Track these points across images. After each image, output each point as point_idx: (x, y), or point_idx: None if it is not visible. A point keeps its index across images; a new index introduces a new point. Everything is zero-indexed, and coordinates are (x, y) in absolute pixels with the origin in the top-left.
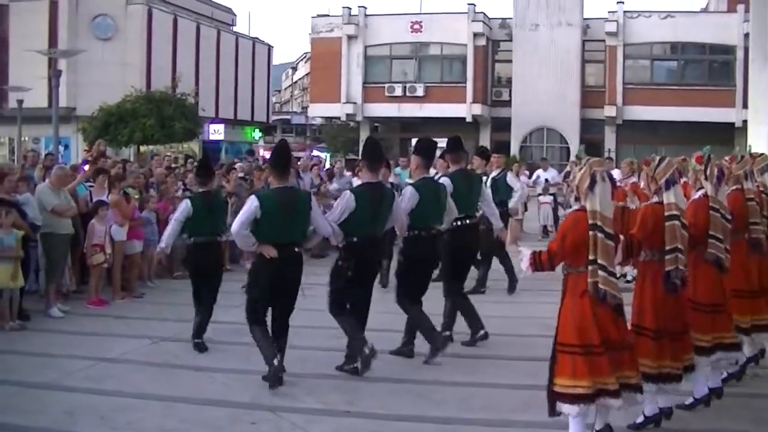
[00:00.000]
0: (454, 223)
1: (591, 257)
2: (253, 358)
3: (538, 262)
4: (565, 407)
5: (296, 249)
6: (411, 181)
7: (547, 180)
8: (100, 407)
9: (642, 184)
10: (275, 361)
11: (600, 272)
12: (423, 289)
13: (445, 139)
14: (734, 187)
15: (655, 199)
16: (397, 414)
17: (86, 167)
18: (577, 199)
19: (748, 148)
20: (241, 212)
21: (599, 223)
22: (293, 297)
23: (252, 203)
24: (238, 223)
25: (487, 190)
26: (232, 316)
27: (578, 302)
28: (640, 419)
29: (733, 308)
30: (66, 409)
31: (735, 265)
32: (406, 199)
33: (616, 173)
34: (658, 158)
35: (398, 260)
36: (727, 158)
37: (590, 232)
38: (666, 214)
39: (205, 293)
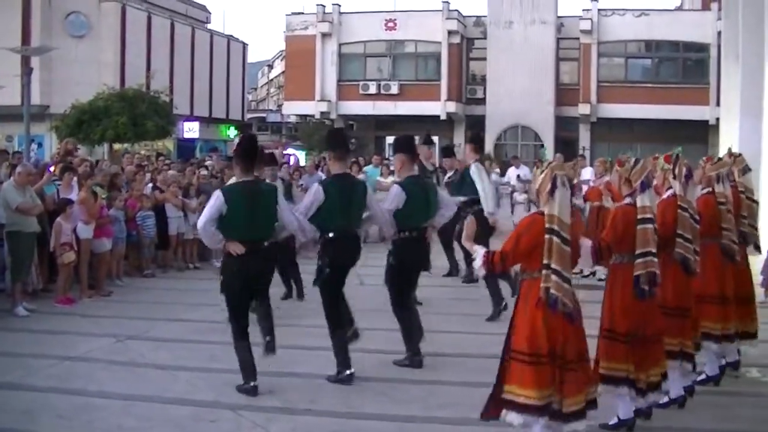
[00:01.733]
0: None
1: (545, 261)
2: (216, 356)
3: (491, 263)
4: (510, 416)
5: (265, 244)
6: (398, 180)
7: (519, 176)
8: (60, 406)
9: (615, 183)
10: (252, 383)
11: (553, 277)
12: (412, 291)
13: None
14: (705, 190)
15: (628, 200)
16: (358, 412)
17: (52, 168)
18: (534, 201)
19: (728, 148)
20: (206, 208)
21: (557, 227)
22: (267, 288)
23: (217, 198)
24: (203, 220)
25: (443, 193)
26: (200, 314)
27: (531, 309)
28: (613, 421)
29: (705, 314)
30: (25, 408)
31: (708, 270)
32: (392, 198)
33: (590, 172)
34: (633, 159)
35: (389, 264)
36: (703, 159)
37: (546, 236)
38: (639, 217)
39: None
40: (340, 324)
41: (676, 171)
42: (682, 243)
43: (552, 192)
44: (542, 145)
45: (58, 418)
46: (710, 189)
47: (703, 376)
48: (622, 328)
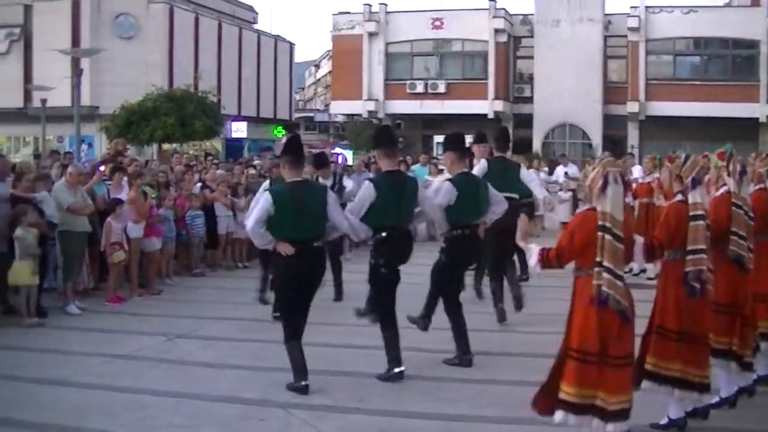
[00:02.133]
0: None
1: (597, 259)
2: (264, 354)
3: (546, 260)
4: (558, 414)
5: (315, 245)
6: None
7: (566, 173)
8: (110, 404)
9: (665, 180)
10: (303, 383)
11: (605, 275)
12: (461, 289)
13: (470, 137)
14: (758, 187)
15: (679, 197)
16: (406, 411)
17: (102, 167)
18: (586, 198)
19: None
20: (255, 209)
21: (609, 224)
22: (314, 292)
23: (265, 200)
24: (252, 221)
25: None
26: (244, 312)
27: (585, 306)
28: (664, 420)
29: (759, 313)
30: (76, 406)
31: (762, 269)
32: (443, 193)
33: (638, 170)
34: (683, 156)
35: (439, 261)
36: (752, 155)
37: (598, 233)
38: (691, 213)
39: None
40: (392, 323)
41: (730, 168)
42: (736, 240)
43: (604, 188)
44: (590, 145)
45: (108, 416)
46: (763, 185)
47: (754, 376)
48: (674, 325)
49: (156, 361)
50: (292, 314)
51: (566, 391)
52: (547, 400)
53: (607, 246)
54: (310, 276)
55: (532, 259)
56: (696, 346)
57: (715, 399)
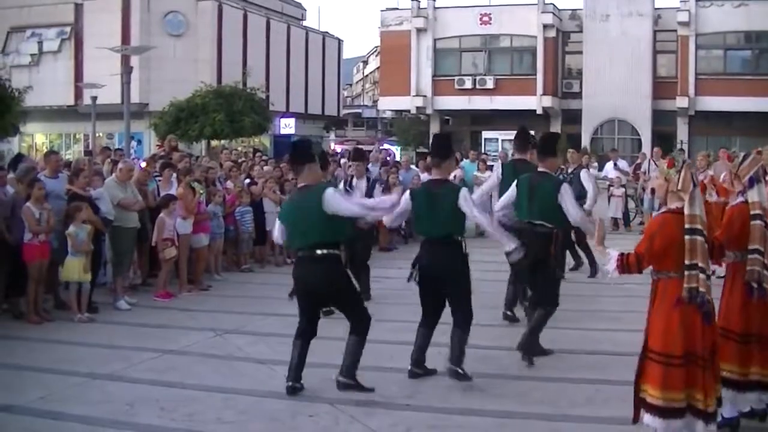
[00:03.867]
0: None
1: (691, 261)
2: (312, 350)
3: (626, 265)
4: (645, 416)
5: (318, 252)
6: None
7: (616, 164)
8: (161, 398)
9: (722, 179)
10: (289, 382)
11: (701, 276)
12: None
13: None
14: None
15: (740, 198)
16: (456, 407)
17: (142, 164)
18: (662, 200)
19: None
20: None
21: (699, 227)
22: (337, 299)
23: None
24: (277, 233)
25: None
26: (292, 308)
27: (666, 309)
28: (718, 419)
29: None
30: (128, 400)
31: None
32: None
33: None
34: (742, 155)
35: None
36: None
37: (687, 237)
38: (751, 213)
39: None
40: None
41: None
42: None
43: (693, 192)
44: (640, 141)
45: (159, 410)
46: None
47: None
48: (737, 327)
49: (205, 357)
50: (302, 316)
51: (652, 394)
52: (637, 406)
53: (700, 248)
54: (310, 283)
55: (610, 265)
56: (763, 350)
57: None
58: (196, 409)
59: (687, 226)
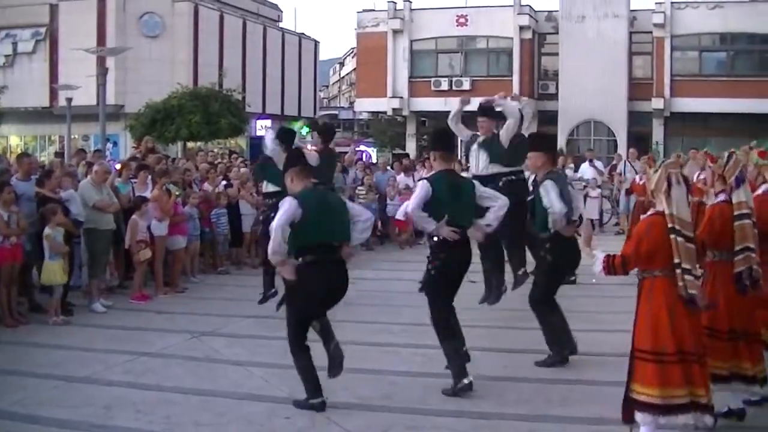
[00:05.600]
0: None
1: (676, 261)
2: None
3: (612, 266)
4: (638, 415)
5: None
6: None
7: (592, 163)
8: (138, 401)
9: (708, 180)
10: (318, 399)
11: (686, 276)
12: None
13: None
14: None
15: (722, 197)
16: (433, 408)
17: (117, 166)
18: (650, 203)
19: None
20: None
21: (677, 226)
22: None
23: None
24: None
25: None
26: (269, 310)
27: (654, 308)
28: (724, 410)
29: None
30: (104, 403)
31: None
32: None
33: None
34: (726, 155)
35: (544, 259)
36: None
37: (671, 236)
38: (736, 213)
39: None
40: (450, 335)
41: None
42: None
43: (668, 191)
44: (616, 142)
45: (136, 413)
46: None
47: None
48: (724, 325)
49: (182, 359)
50: (306, 324)
51: (647, 393)
52: (630, 407)
53: (681, 248)
54: (338, 292)
55: (597, 266)
56: (749, 344)
57: None
58: (174, 412)
59: (668, 225)
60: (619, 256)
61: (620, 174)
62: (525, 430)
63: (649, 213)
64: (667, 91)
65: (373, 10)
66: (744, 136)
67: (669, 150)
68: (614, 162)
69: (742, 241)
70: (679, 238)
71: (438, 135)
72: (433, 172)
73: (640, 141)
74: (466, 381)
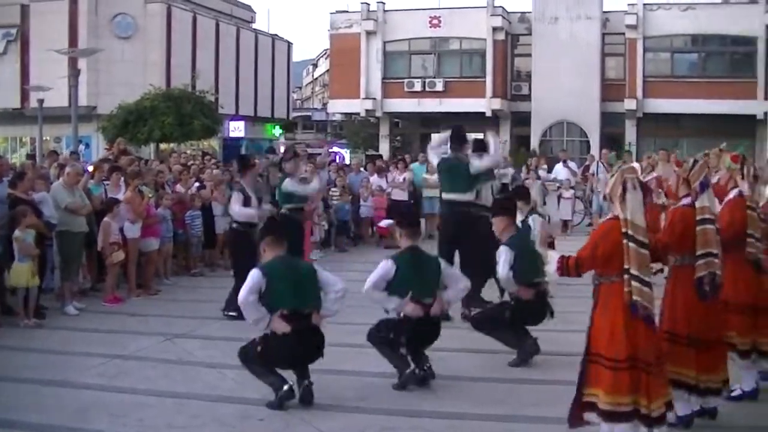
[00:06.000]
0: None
1: (625, 266)
2: None
3: (566, 268)
4: (590, 416)
5: None
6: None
7: (566, 164)
8: (111, 404)
9: (673, 184)
10: (285, 387)
11: (633, 282)
12: None
13: (468, 135)
14: None
15: (686, 201)
16: (408, 409)
17: (90, 168)
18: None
19: None
20: None
21: (631, 232)
22: None
23: None
24: None
25: None
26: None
27: (610, 313)
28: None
29: None
30: (79, 407)
31: None
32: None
33: (636, 167)
34: (691, 160)
35: (503, 311)
36: None
37: (623, 241)
38: (698, 217)
39: None
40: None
41: (744, 171)
42: (753, 243)
43: (623, 196)
44: (588, 143)
45: (109, 416)
46: None
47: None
48: (684, 330)
49: (156, 362)
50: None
51: (600, 398)
52: (580, 410)
53: (632, 253)
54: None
55: (551, 266)
56: (710, 352)
57: (738, 392)
58: (147, 415)
59: (622, 230)
60: (573, 258)
61: (593, 175)
62: (500, 430)
63: (607, 217)
64: (639, 92)
65: (347, 12)
66: (716, 137)
67: (642, 151)
68: (587, 163)
69: (704, 246)
70: (632, 244)
71: (404, 213)
72: (398, 251)
73: (612, 142)
74: (408, 371)
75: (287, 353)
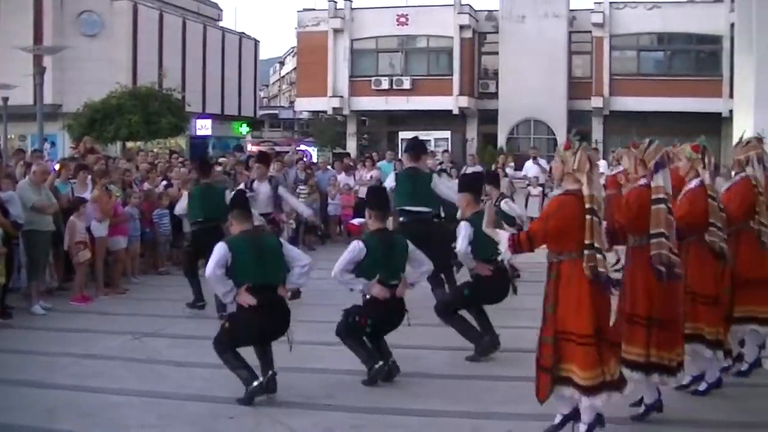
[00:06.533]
0: None
1: (589, 241)
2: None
3: (518, 243)
4: (567, 390)
5: None
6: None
7: (536, 158)
8: (81, 404)
9: (629, 166)
10: (255, 383)
11: (598, 255)
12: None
13: (435, 133)
14: (742, 174)
15: (642, 182)
16: (378, 407)
17: (56, 167)
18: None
19: (759, 132)
20: None
21: (596, 207)
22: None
23: None
24: None
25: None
26: (211, 310)
27: (575, 290)
28: (641, 410)
29: (752, 299)
30: (48, 407)
31: (751, 256)
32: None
33: (603, 164)
34: (647, 141)
35: (462, 290)
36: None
37: (587, 217)
38: (653, 197)
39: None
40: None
41: (706, 161)
42: (715, 231)
43: (591, 171)
44: (555, 140)
45: (79, 417)
46: (745, 173)
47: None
48: (643, 311)
49: (125, 361)
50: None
51: (576, 373)
52: (548, 386)
53: (596, 228)
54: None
55: (502, 245)
56: (668, 331)
57: (703, 385)
58: (117, 414)
59: (587, 206)
60: (524, 233)
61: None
62: (471, 427)
63: (558, 192)
64: (606, 90)
65: (314, 10)
66: (682, 135)
67: (608, 148)
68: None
69: (656, 227)
70: (596, 219)
71: (373, 194)
72: (367, 232)
73: (579, 139)
74: (377, 366)
75: (254, 327)
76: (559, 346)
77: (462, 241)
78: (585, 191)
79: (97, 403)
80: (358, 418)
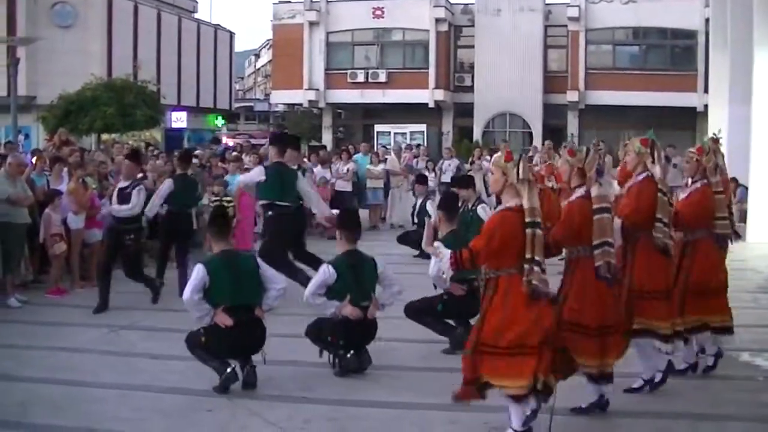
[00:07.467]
0: None
1: (529, 256)
2: None
3: (460, 261)
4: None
5: None
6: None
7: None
8: (55, 397)
9: (565, 174)
10: (228, 369)
11: (536, 268)
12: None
13: (411, 126)
14: (703, 181)
15: (580, 193)
16: (354, 399)
17: (33, 159)
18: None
19: (713, 134)
20: None
21: (538, 219)
22: None
23: None
24: None
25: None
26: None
27: (511, 304)
28: (585, 404)
29: (690, 307)
30: (20, 400)
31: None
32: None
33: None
34: (584, 149)
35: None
36: (693, 149)
37: (528, 230)
38: (595, 206)
39: None
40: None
41: (655, 154)
42: (661, 227)
43: (530, 184)
44: (531, 134)
45: (53, 410)
46: (706, 180)
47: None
48: (592, 321)
49: (100, 353)
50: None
51: (506, 384)
52: (473, 392)
53: (538, 241)
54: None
55: (444, 263)
56: (611, 337)
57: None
58: (92, 407)
59: (528, 219)
60: (466, 251)
61: (536, 165)
62: (447, 419)
63: (499, 208)
64: (581, 84)
65: (290, 2)
66: (657, 129)
67: (584, 142)
68: (530, 154)
69: (601, 236)
70: (538, 231)
71: (344, 215)
72: (337, 255)
73: (555, 133)
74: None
75: (230, 345)
76: (480, 357)
77: (433, 265)
78: (525, 204)
79: (71, 396)
80: (334, 410)
